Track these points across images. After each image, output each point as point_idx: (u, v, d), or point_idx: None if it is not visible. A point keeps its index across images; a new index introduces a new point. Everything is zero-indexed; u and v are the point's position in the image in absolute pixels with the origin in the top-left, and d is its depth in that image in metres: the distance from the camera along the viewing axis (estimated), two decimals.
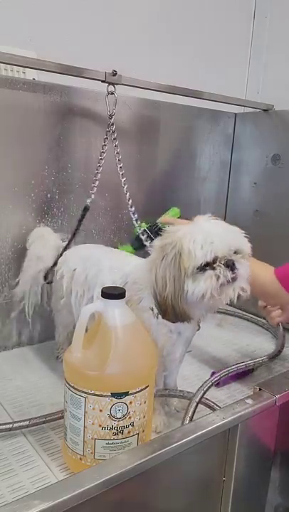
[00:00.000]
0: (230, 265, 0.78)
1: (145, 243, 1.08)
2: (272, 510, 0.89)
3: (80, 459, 0.76)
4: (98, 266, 1.00)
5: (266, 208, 1.56)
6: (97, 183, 1.14)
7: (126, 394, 0.72)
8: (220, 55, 1.71)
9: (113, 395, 0.72)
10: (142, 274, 0.89)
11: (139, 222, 1.13)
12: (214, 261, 0.78)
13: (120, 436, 0.74)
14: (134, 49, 1.47)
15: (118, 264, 0.98)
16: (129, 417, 0.74)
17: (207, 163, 1.60)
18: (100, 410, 0.72)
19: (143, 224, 1.17)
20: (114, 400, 0.72)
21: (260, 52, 1.75)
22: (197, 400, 0.89)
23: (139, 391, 0.74)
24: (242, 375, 1.13)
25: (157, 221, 1.16)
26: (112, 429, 0.73)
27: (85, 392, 0.72)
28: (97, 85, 1.15)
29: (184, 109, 1.48)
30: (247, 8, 1.74)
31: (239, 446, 0.76)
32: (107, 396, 0.72)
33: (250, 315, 1.54)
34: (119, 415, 0.73)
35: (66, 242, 1.15)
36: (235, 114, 1.62)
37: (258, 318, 1.51)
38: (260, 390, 0.80)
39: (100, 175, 1.14)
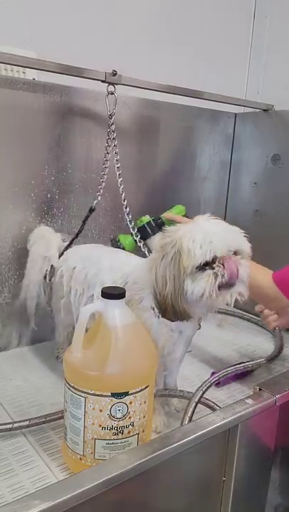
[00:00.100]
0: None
1: (144, 238, 1.11)
2: (272, 510, 0.89)
3: (80, 459, 0.76)
4: (98, 265, 1.00)
5: (266, 208, 1.56)
6: (103, 184, 1.15)
7: (126, 394, 0.72)
8: (220, 55, 1.71)
9: (113, 395, 0.72)
10: (142, 273, 0.89)
11: (133, 223, 1.14)
12: (213, 260, 0.78)
13: (120, 436, 0.74)
14: (134, 49, 1.47)
15: (118, 264, 0.98)
16: (129, 417, 0.74)
17: (207, 163, 1.60)
18: (100, 410, 0.72)
19: (147, 217, 1.17)
20: (114, 400, 0.72)
21: (260, 52, 1.75)
22: (196, 400, 0.89)
23: (139, 391, 0.74)
24: (242, 375, 1.13)
25: (161, 216, 1.17)
26: (112, 429, 0.73)
27: (85, 392, 0.72)
28: (97, 85, 1.15)
29: (184, 109, 1.48)
30: (247, 8, 1.74)
31: (239, 446, 0.76)
32: (107, 396, 0.72)
33: (251, 315, 1.54)
34: (119, 415, 0.73)
35: (67, 242, 1.15)
36: (235, 114, 1.62)
37: (258, 319, 1.50)
38: (260, 390, 0.81)
39: (106, 176, 1.15)
